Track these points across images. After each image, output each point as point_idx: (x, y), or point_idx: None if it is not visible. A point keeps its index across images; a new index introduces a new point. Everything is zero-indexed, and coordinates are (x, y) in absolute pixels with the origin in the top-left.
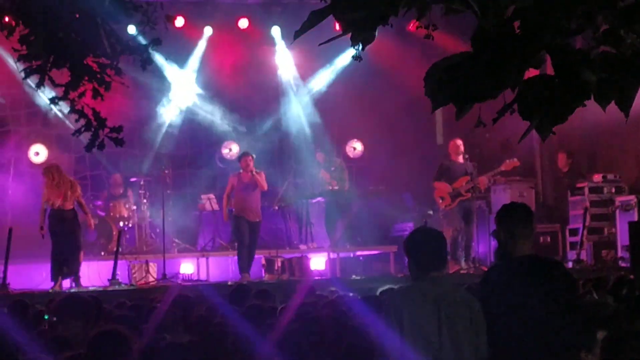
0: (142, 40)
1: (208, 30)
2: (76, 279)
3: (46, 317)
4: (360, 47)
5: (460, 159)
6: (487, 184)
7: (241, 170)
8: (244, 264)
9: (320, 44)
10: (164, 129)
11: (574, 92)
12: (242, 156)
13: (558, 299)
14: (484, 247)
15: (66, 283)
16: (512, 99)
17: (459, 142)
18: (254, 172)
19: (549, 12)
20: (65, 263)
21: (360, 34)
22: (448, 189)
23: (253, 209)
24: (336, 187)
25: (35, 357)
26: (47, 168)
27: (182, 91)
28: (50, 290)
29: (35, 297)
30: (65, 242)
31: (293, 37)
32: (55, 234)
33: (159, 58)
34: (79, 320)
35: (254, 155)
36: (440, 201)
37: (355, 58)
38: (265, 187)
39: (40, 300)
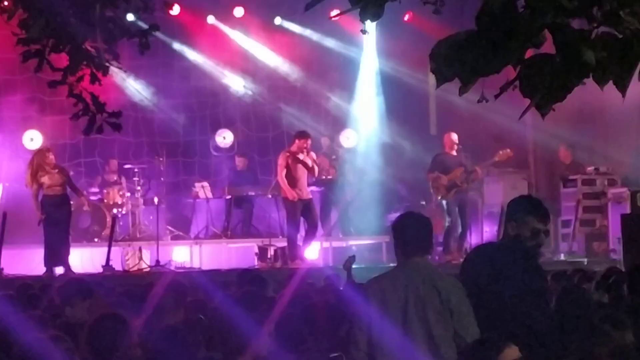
0: (140, 26)
1: (210, 19)
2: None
3: None
4: (369, 22)
5: (454, 152)
6: (482, 175)
7: (293, 149)
8: (295, 248)
9: (332, 17)
10: (158, 116)
11: (574, 71)
12: (302, 136)
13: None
14: (477, 237)
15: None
16: (514, 77)
17: (455, 136)
18: (311, 153)
19: None
20: (57, 250)
21: (369, 8)
22: (443, 180)
23: (305, 188)
24: (329, 177)
25: (34, 337)
26: (39, 151)
27: (178, 79)
28: (44, 276)
29: (32, 283)
30: (57, 229)
31: (304, 8)
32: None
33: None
34: (85, 302)
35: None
36: (435, 192)
37: (363, 32)
38: (316, 172)
39: (36, 286)
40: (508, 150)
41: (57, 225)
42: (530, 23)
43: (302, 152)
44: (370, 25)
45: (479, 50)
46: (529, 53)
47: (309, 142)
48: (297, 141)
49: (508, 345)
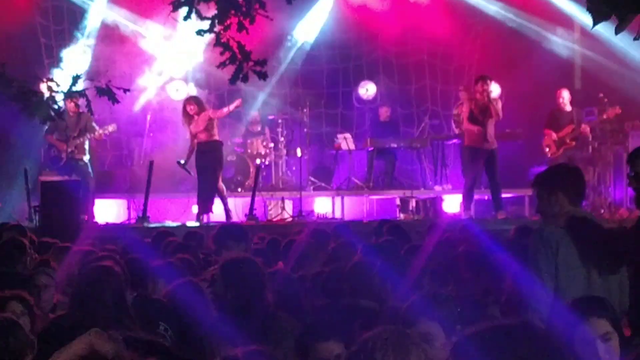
0: None
1: None
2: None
3: None
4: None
5: (568, 107)
6: (589, 132)
7: (476, 96)
8: (470, 200)
9: None
10: (301, 68)
11: None
12: (480, 79)
13: None
14: (620, 192)
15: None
16: None
17: (565, 92)
18: (491, 98)
19: None
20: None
21: None
22: (554, 137)
23: (491, 136)
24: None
25: (177, 283)
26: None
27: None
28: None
29: (179, 230)
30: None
31: None
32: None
33: None
34: (240, 245)
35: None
36: (547, 149)
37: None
38: (501, 116)
39: (180, 233)
40: (617, 107)
41: (203, 172)
42: None
43: (484, 96)
44: None
45: None
46: None
47: (489, 84)
48: (477, 86)
49: (599, 315)
